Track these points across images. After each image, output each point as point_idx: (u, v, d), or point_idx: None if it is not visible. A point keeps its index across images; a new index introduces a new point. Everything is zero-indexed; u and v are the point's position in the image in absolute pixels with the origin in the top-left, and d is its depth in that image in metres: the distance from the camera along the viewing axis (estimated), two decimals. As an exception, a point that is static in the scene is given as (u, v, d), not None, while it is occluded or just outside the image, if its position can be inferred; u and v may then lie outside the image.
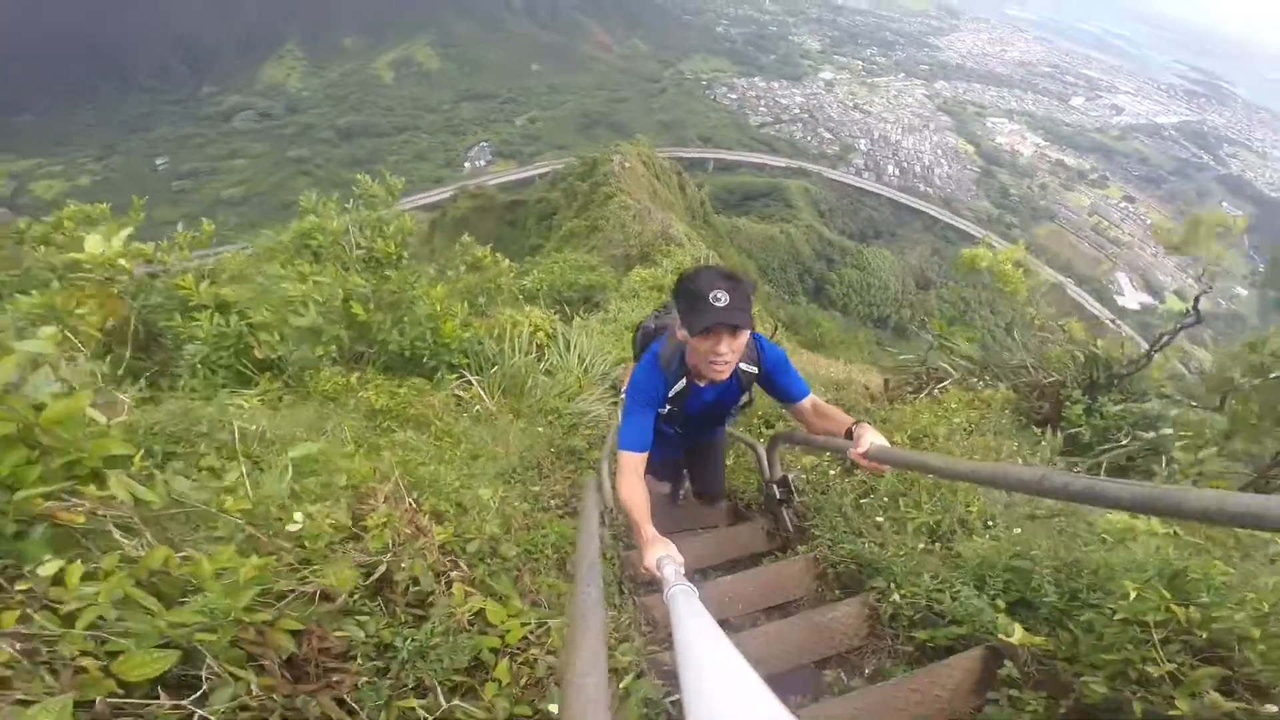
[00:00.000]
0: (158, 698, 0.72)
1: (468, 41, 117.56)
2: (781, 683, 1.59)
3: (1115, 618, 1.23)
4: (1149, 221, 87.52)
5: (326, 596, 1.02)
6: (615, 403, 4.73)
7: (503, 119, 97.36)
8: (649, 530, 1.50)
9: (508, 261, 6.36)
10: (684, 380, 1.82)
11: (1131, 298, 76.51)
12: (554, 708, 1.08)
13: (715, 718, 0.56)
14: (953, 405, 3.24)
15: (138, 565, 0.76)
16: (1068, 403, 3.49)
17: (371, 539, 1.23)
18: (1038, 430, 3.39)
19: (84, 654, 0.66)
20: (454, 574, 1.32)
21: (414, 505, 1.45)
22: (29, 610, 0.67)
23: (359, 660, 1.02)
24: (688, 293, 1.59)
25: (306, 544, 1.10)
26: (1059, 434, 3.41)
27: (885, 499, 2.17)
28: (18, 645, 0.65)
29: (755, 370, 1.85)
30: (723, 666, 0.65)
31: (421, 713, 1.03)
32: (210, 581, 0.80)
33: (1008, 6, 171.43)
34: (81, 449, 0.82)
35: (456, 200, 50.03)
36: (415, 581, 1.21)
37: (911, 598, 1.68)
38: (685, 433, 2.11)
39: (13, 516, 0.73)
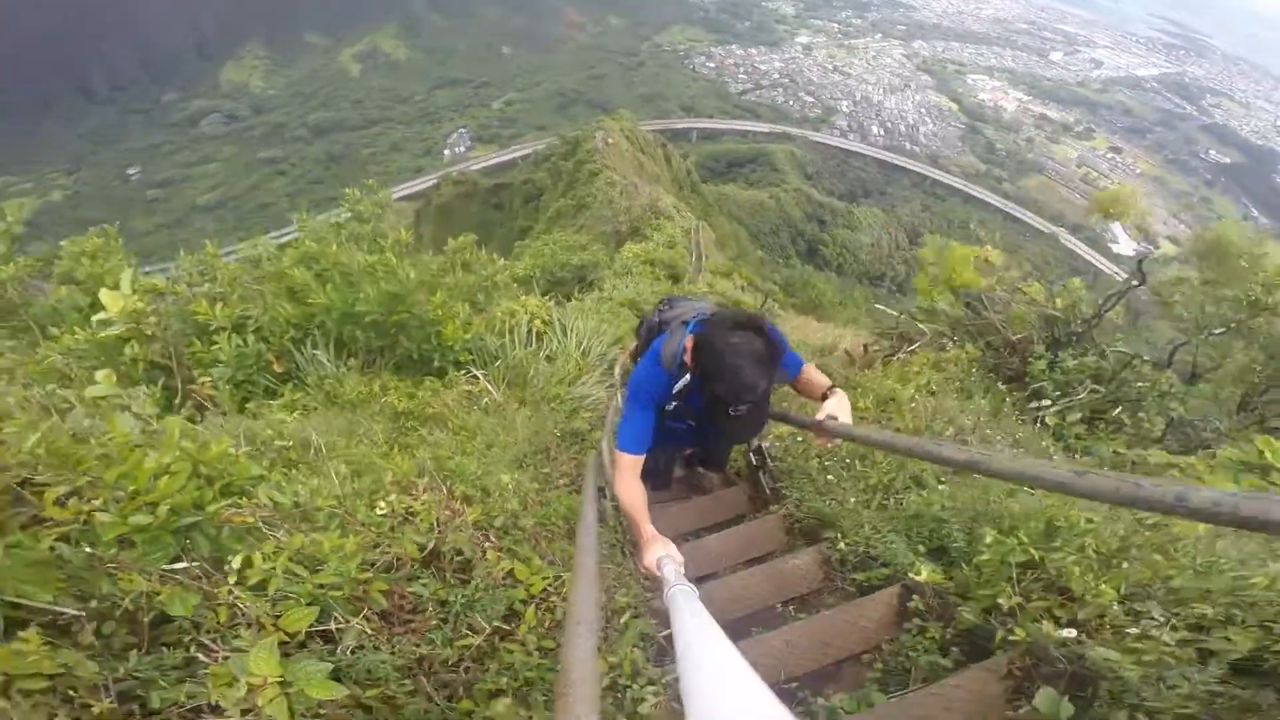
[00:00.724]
0: (305, 644, 1.05)
1: (434, 30, 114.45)
2: (751, 621, 1.93)
3: (983, 559, 1.54)
4: (1138, 170, 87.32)
5: (395, 566, 1.35)
6: (612, 385, 5.01)
7: (478, 104, 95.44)
8: (648, 529, 1.50)
9: (502, 260, 6.57)
10: (688, 375, 1.78)
11: (1126, 245, 76.69)
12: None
13: (716, 718, 0.57)
14: (915, 369, 3.56)
15: (287, 548, 1.09)
16: (1031, 359, 3.81)
17: (420, 521, 1.55)
18: (1003, 387, 3.72)
19: (264, 615, 0.98)
20: (486, 545, 1.65)
21: (448, 492, 1.78)
22: (231, 589, 0.99)
23: (428, 612, 1.36)
24: (711, 384, 1.54)
25: (375, 529, 1.42)
26: (1027, 388, 3.75)
27: (846, 460, 2.50)
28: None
29: None
30: (723, 667, 0.66)
31: (474, 650, 1.37)
32: (330, 555, 1.12)
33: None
34: (232, 474, 1.14)
35: (440, 188, 49.20)
36: (459, 552, 1.53)
37: (854, 545, 2.00)
38: (698, 423, 2.08)
39: (210, 524, 1.05)
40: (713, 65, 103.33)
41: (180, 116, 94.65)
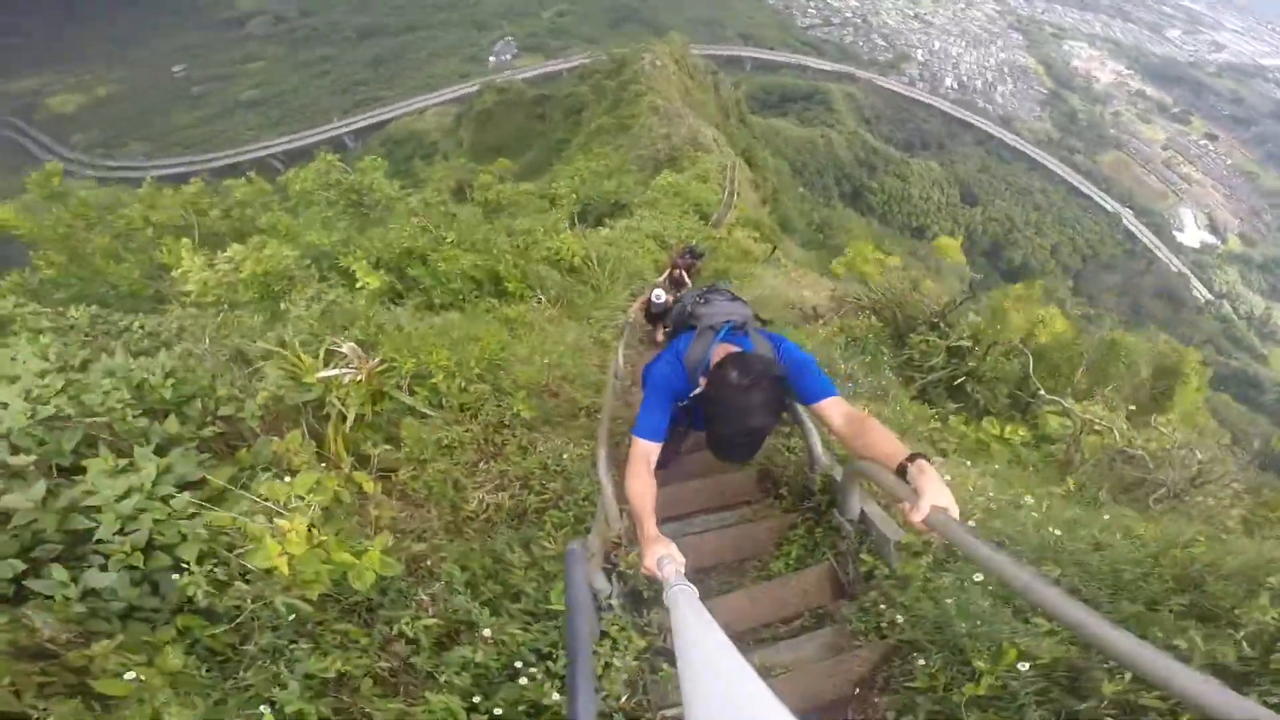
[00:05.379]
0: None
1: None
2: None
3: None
4: (1229, 162, 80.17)
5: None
6: (627, 306, 6.43)
7: (529, 12, 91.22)
8: (651, 529, 1.52)
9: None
10: (703, 385, 1.75)
11: (1192, 235, 72.39)
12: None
13: (716, 717, 0.58)
14: (832, 329, 5.08)
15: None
16: (911, 335, 5.32)
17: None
18: (885, 351, 5.25)
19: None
20: (564, 384, 3.66)
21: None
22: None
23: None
24: (717, 418, 1.63)
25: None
26: (902, 353, 5.27)
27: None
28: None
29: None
30: (723, 667, 0.68)
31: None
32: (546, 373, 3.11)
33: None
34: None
35: (483, 94, 49.05)
36: (551, 386, 3.48)
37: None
38: (698, 425, 2.05)
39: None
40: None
41: (228, 15, 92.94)
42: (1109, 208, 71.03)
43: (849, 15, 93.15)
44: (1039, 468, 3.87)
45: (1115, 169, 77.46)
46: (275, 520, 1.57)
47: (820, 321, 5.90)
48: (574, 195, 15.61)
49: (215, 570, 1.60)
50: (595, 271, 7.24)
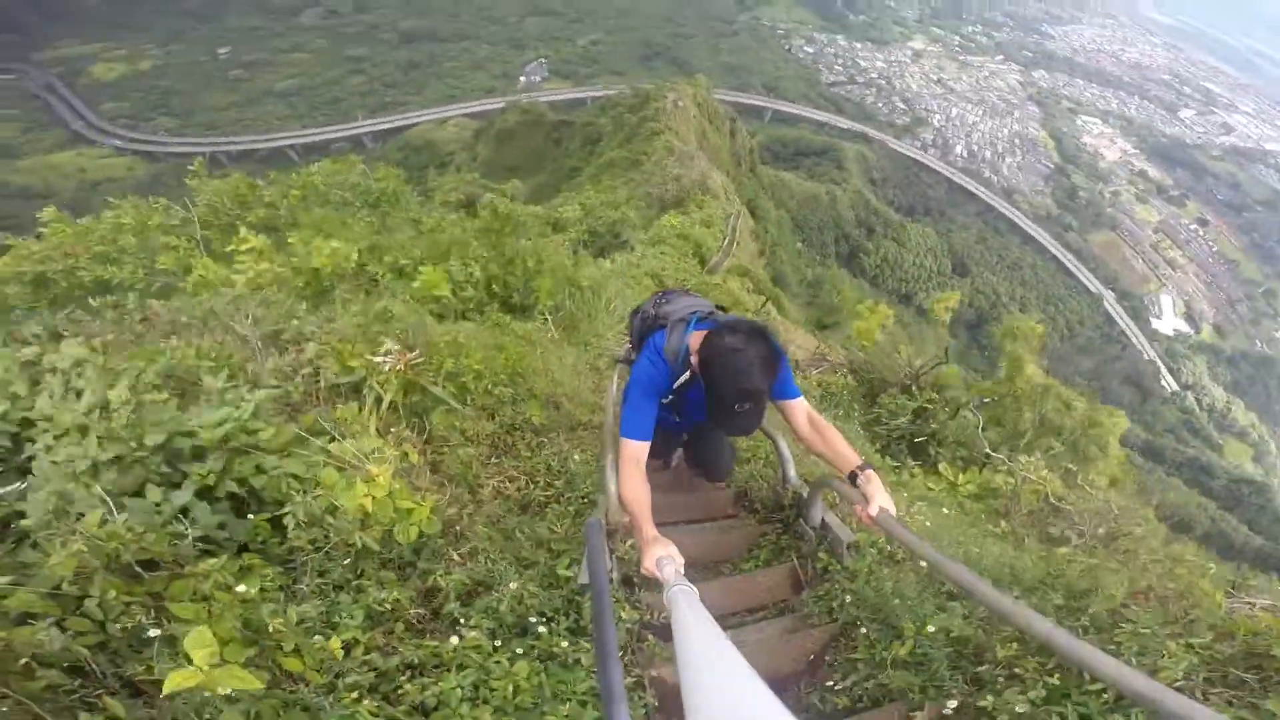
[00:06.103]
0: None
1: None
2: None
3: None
4: (1214, 248, 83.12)
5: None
6: (624, 332, 6.87)
7: (565, 38, 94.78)
8: (650, 531, 1.55)
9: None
10: (688, 373, 1.85)
11: (1168, 322, 74.05)
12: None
13: (715, 716, 0.59)
14: (800, 384, 5.52)
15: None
16: (883, 395, 5.76)
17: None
18: (856, 407, 5.68)
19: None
20: (562, 397, 3.96)
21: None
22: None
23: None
24: (716, 385, 1.64)
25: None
26: (873, 408, 5.70)
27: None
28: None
29: None
30: (723, 666, 0.69)
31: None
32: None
33: (1147, 6, 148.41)
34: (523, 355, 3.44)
35: (505, 112, 50.28)
36: (555, 398, 3.85)
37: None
38: (683, 420, 2.22)
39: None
40: (811, 50, 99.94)
41: (285, 3, 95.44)
42: (1093, 289, 72.67)
43: (874, 75, 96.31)
44: (982, 515, 4.26)
45: (1105, 249, 79.71)
46: (367, 467, 1.92)
47: (800, 375, 6.36)
48: (584, 228, 16.09)
49: (313, 501, 1.90)
50: (594, 301, 7.66)
